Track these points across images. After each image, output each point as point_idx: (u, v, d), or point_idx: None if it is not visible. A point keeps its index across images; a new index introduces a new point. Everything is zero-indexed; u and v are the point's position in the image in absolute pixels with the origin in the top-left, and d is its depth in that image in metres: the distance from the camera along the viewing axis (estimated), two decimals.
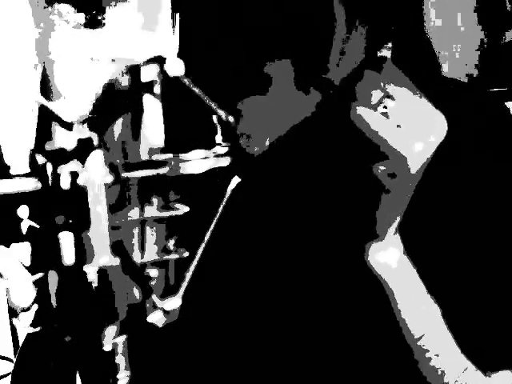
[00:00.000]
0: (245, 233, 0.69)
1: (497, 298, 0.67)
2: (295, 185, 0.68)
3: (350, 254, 0.64)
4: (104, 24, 0.40)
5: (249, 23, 0.59)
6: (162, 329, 0.41)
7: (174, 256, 0.43)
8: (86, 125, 0.39)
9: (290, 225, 0.68)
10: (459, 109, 0.70)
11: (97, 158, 0.38)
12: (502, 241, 0.69)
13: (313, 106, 0.62)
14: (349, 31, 0.61)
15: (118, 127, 0.40)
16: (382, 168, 0.58)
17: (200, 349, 0.69)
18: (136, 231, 0.42)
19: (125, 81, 0.40)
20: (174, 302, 0.42)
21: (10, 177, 0.39)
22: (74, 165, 0.38)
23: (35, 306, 0.42)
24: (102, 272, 0.40)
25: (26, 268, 0.42)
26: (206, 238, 0.43)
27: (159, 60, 0.40)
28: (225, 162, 0.42)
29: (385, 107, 0.58)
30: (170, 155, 0.41)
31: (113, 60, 0.39)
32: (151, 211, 0.42)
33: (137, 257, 0.42)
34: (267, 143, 0.62)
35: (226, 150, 0.42)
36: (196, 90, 0.42)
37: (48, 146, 0.39)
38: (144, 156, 0.41)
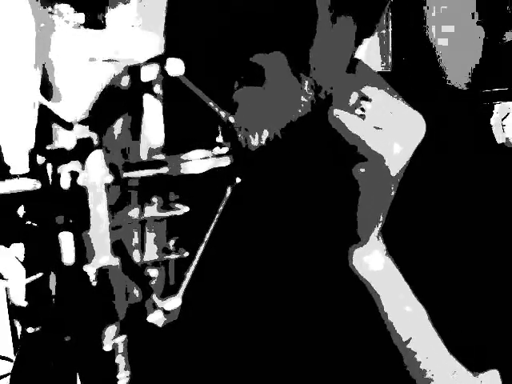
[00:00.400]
0: (244, 233, 0.69)
1: (483, 298, 0.68)
2: (285, 187, 0.69)
3: (333, 258, 0.64)
4: (104, 24, 0.40)
5: (234, 14, 0.58)
6: (162, 329, 0.41)
7: (174, 256, 0.43)
8: (86, 125, 0.39)
9: (280, 226, 0.69)
10: (440, 108, 0.70)
11: (97, 158, 0.38)
12: (486, 240, 0.69)
13: (306, 100, 0.62)
14: (333, 20, 0.60)
15: (118, 127, 0.40)
16: (362, 170, 0.58)
17: (200, 349, 0.69)
18: (136, 231, 0.42)
19: (125, 81, 0.40)
20: (174, 302, 0.42)
21: (10, 177, 0.39)
22: (74, 165, 0.38)
23: (35, 306, 0.42)
24: (102, 272, 0.40)
25: (26, 268, 0.42)
26: (206, 238, 0.43)
27: (159, 60, 0.40)
28: (225, 162, 0.42)
29: (362, 109, 0.58)
30: (170, 155, 0.41)
31: (112, 60, 0.39)
32: (151, 211, 0.42)
33: (137, 257, 0.42)
34: (265, 137, 0.61)
35: (226, 150, 0.42)
36: (196, 90, 0.42)
37: (48, 146, 0.39)
38: (144, 156, 0.41)
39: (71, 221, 0.39)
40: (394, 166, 0.57)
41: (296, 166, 0.68)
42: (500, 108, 1.77)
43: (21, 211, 0.39)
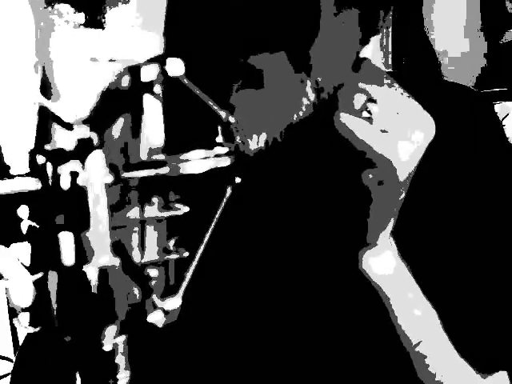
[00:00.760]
0: (244, 233, 0.69)
1: (493, 300, 0.67)
2: (287, 187, 0.68)
3: (344, 262, 0.64)
4: (104, 24, 0.40)
5: (234, 12, 0.57)
6: (162, 329, 0.41)
7: (174, 256, 0.43)
8: (86, 125, 0.39)
9: (282, 226, 0.68)
10: (450, 109, 0.70)
11: (97, 158, 0.38)
12: (497, 242, 0.68)
13: (307, 101, 0.61)
14: (337, 18, 0.59)
15: (118, 127, 0.40)
16: (371, 176, 0.57)
17: (200, 349, 0.69)
18: (136, 231, 0.42)
19: (125, 81, 0.40)
20: (174, 302, 0.42)
21: (10, 177, 0.39)
22: (74, 165, 0.38)
23: (35, 306, 0.42)
24: (102, 272, 0.40)
25: (26, 268, 0.42)
26: (206, 237, 0.43)
27: (159, 60, 0.40)
28: (225, 162, 0.42)
29: (369, 112, 0.57)
30: (170, 155, 0.41)
31: (112, 60, 0.39)
32: (151, 211, 0.42)
33: (137, 257, 0.42)
34: (264, 140, 0.60)
35: (226, 150, 0.42)
36: (196, 89, 0.42)
37: (48, 146, 0.39)
38: (144, 156, 0.41)
39: (71, 221, 0.39)
40: (402, 171, 0.56)
41: (299, 167, 0.68)
42: (500, 108, 1.77)
43: (21, 211, 0.39)
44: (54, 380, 0.54)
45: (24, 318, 0.43)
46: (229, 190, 0.44)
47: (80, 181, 0.38)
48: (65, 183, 0.38)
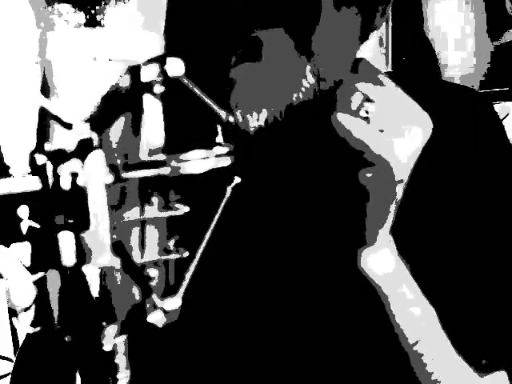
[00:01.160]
0: (245, 233, 0.69)
1: (492, 299, 0.67)
2: (287, 187, 0.68)
3: (343, 260, 0.63)
4: (104, 24, 0.40)
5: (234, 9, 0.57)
6: (162, 329, 0.41)
7: (174, 256, 0.43)
8: (86, 125, 0.39)
9: (281, 226, 0.68)
10: (449, 109, 0.70)
11: (97, 158, 0.38)
12: (497, 241, 0.68)
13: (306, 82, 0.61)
14: (337, 9, 0.59)
15: (118, 127, 0.40)
16: (368, 175, 0.57)
17: (200, 349, 0.69)
18: (136, 231, 0.42)
19: (125, 81, 0.40)
20: (174, 302, 0.42)
21: (10, 177, 0.39)
22: (74, 165, 0.38)
23: (35, 306, 0.42)
24: (103, 272, 0.40)
25: (26, 268, 0.42)
26: (206, 238, 0.43)
27: (159, 60, 0.40)
28: (225, 162, 0.42)
29: (366, 111, 0.57)
30: (170, 155, 0.41)
31: (112, 60, 0.39)
32: (151, 211, 0.42)
33: (137, 257, 0.42)
34: (264, 117, 0.60)
35: (226, 150, 0.42)
36: (196, 89, 0.42)
37: (48, 146, 0.39)
38: (144, 156, 0.41)
39: (71, 221, 0.39)
40: (399, 170, 0.56)
41: (299, 166, 0.68)
42: (500, 108, 1.77)
43: (21, 211, 0.39)
44: (54, 380, 0.54)
45: (24, 318, 0.43)
46: (229, 190, 0.44)
47: (80, 181, 0.38)
48: (65, 183, 0.38)
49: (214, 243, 0.44)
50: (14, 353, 1.72)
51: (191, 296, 0.42)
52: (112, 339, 0.41)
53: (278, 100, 0.60)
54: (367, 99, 0.57)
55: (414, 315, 0.62)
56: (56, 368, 0.44)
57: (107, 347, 0.41)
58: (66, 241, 0.39)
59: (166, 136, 0.41)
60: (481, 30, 1.79)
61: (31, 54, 0.40)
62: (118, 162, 0.40)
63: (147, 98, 0.40)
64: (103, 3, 0.40)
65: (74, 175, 0.38)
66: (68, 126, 0.39)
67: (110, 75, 0.40)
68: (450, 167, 0.68)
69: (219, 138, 0.43)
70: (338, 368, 0.68)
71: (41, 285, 0.40)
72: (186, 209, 0.42)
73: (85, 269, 0.39)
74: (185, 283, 0.42)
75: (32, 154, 0.39)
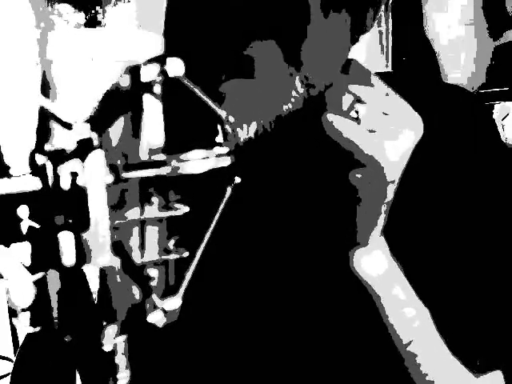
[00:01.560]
0: (245, 233, 0.69)
1: (486, 299, 0.67)
2: (278, 190, 0.68)
3: (335, 260, 0.63)
4: (104, 24, 0.40)
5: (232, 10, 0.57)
6: (162, 329, 0.41)
7: (174, 256, 0.43)
8: (86, 125, 0.39)
9: (280, 226, 0.69)
10: (446, 110, 0.70)
11: (97, 158, 0.38)
12: (490, 240, 0.68)
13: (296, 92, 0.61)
14: (326, 16, 0.59)
15: (118, 127, 0.40)
16: (359, 176, 0.57)
17: (200, 349, 0.69)
18: (136, 231, 0.42)
19: (125, 81, 0.40)
20: (173, 302, 0.42)
21: (10, 177, 0.39)
22: (74, 165, 0.38)
23: (35, 306, 0.42)
24: (102, 272, 0.40)
25: (26, 268, 0.42)
26: (206, 237, 0.43)
27: (159, 60, 0.40)
28: (225, 162, 0.42)
29: (356, 112, 0.57)
30: (170, 155, 0.41)
31: (113, 60, 0.39)
32: (151, 211, 0.42)
33: (137, 257, 0.42)
34: (253, 129, 0.60)
35: (226, 150, 0.42)
36: (196, 89, 0.42)
37: (48, 146, 0.39)
38: (144, 156, 0.41)
39: (71, 221, 0.39)
40: (391, 171, 0.56)
41: (287, 166, 0.68)
42: (500, 108, 1.78)
43: (21, 211, 0.39)
44: (54, 380, 0.54)
45: (24, 318, 0.43)
46: (229, 190, 0.44)
47: (80, 181, 0.38)
48: (65, 183, 0.38)
49: (213, 243, 0.44)
50: (14, 353, 1.72)
51: (191, 296, 0.42)
52: (112, 339, 0.41)
53: (268, 112, 0.60)
54: (358, 100, 0.57)
55: (407, 316, 0.62)
56: (56, 368, 0.44)
57: (107, 347, 0.41)
58: (66, 241, 0.39)
59: (166, 136, 0.41)
60: (481, 30, 1.79)
61: (31, 54, 0.40)
62: (118, 162, 0.40)
63: (147, 98, 0.40)
64: (103, 3, 0.40)
65: (74, 175, 0.38)
66: (68, 126, 0.39)
67: (109, 75, 0.40)
68: (443, 168, 0.68)
69: (219, 138, 0.43)
70: (332, 368, 0.68)
71: (41, 285, 0.40)
72: (186, 209, 0.42)
73: (85, 269, 0.39)
74: (185, 283, 0.42)
75: (32, 153, 0.39)
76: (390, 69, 1.81)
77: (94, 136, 0.39)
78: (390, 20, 1.79)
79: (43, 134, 0.39)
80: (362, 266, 0.61)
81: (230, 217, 0.45)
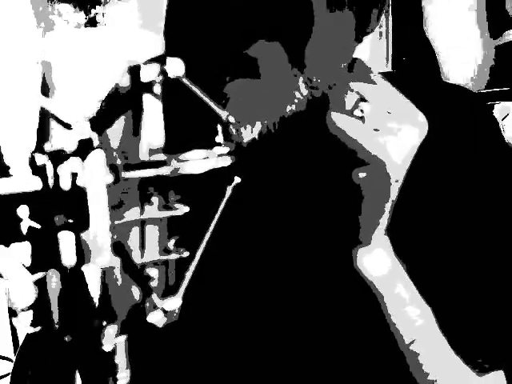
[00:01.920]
0: (245, 233, 0.69)
1: (489, 298, 0.67)
2: (282, 189, 0.68)
3: (338, 260, 0.63)
4: (104, 24, 0.40)
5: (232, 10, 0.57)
6: (162, 329, 0.41)
7: (174, 256, 0.43)
8: (86, 125, 0.39)
9: (289, 225, 0.69)
10: (448, 110, 0.70)
11: (97, 158, 0.38)
12: (493, 239, 0.68)
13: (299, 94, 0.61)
14: (330, 17, 0.59)
15: (118, 127, 0.40)
16: (362, 175, 0.57)
17: (200, 349, 0.69)
18: (136, 231, 0.42)
19: (125, 81, 0.40)
20: (174, 302, 0.42)
21: (10, 177, 0.39)
22: (74, 165, 0.38)
23: (35, 306, 0.42)
24: (103, 272, 0.40)
25: (26, 268, 0.42)
26: (206, 237, 0.43)
27: (159, 60, 0.40)
28: (225, 161, 0.42)
29: (361, 111, 0.57)
30: (170, 155, 0.41)
31: (113, 60, 0.39)
32: (151, 211, 0.42)
33: (137, 257, 0.42)
34: (257, 129, 0.61)
35: (226, 150, 0.42)
36: (196, 89, 0.42)
37: (48, 147, 0.39)
38: (144, 156, 0.41)
39: (71, 221, 0.39)
40: (395, 170, 0.56)
41: (291, 165, 0.68)
42: (500, 108, 1.77)
43: (21, 211, 0.39)
44: (54, 380, 0.54)
45: (24, 318, 0.43)
46: (229, 190, 0.44)
47: (80, 181, 0.38)
48: (65, 183, 0.38)
49: (214, 243, 0.44)
50: (14, 353, 1.72)
51: (191, 296, 0.42)
52: (112, 339, 0.41)
53: (272, 113, 0.61)
54: (362, 99, 0.57)
55: (410, 315, 0.62)
56: (56, 368, 0.44)
57: (107, 347, 0.41)
58: (66, 241, 0.39)
59: (166, 136, 0.41)
60: (482, 30, 1.79)
61: (31, 54, 0.40)
62: (118, 162, 0.40)
63: (147, 98, 0.40)
64: (103, 3, 0.40)
65: (74, 175, 0.38)
66: (68, 126, 0.39)
67: (110, 75, 0.40)
68: (446, 167, 0.68)
69: (219, 138, 0.43)
70: (334, 367, 0.68)
71: (41, 285, 0.40)
72: (186, 209, 0.42)
73: (85, 269, 0.39)
74: (185, 283, 0.42)
75: (32, 153, 0.39)
76: (389, 69, 1.81)
77: (94, 136, 0.39)
78: (390, 20, 1.79)
79: (43, 133, 0.39)
80: (364, 264, 0.61)
81: (230, 217, 0.45)
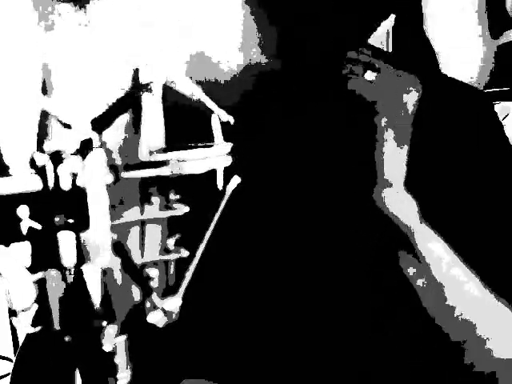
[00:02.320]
0: (244, 232, 0.69)
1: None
2: (293, 185, 0.68)
3: (341, 260, 0.64)
4: (104, 24, 0.40)
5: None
6: (162, 329, 0.41)
7: (174, 256, 0.43)
8: (86, 125, 0.39)
9: (289, 225, 0.69)
10: (451, 105, 0.70)
11: (97, 157, 0.38)
12: (498, 240, 0.68)
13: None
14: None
15: (118, 127, 0.40)
16: (372, 76, 0.61)
17: (200, 349, 0.69)
18: (136, 231, 0.42)
19: (125, 81, 0.40)
20: (173, 302, 0.42)
21: (10, 177, 0.39)
22: (74, 165, 0.38)
23: (35, 306, 0.42)
24: (103, 272, 0.40)
25: (26, 268, 0.42)
26: (206, 237, 0.43)
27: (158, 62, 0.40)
28: (225, 161, 0.42)
29: (374, 70, 0.62)
30: (170, 155, 0.41)
31: (113, 60, 0.39)
32: (151, 211, 0.42)
33: (137, 257, 0.42)
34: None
35: (226, 150, 0.42)
36: (196, 89, 0.42)
37: (48, 147, 0.39)
38: (144, 156, 0.41)
39: (71, 221, 0.39)
40: (406, 114, 0.59)
41: (295, 165, 0.68)
42: (500, 108, 1.77)
43: (21, 211, 0.39)
44: (54, 380, 0.54)
45: (24, 318, 0.43)
46: (229, 190, 0.44)
47: (80, 181, 0.38)
48: (65, 183, 0.38)
49: (213, 243, 0.44)
50: (14, 353, 1.72)
51: (191, 296, 0.42)
52: (112, 339, 0.41)
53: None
54: (367, 67, 0.60)
55: (455, 276, 0.62)
56: (56, 368, 0.44)
57: (107, 347, 0.41)
58: (66, 241, 0.39)
59: (166, 136, 0.42)
60: (482, 30, 1.79)
61: (31, 54, 0.40)
62: (118, 162, 0.40)
63: (147, 98, 0.40)
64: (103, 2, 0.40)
65: (74, 175, 0.38)
66: (68, 126, 0.39)
67: (110, 75, 0.40)
68: (451, 164, 0.68)
69: (219, 138, 0.43)
70: (340, 364, 0.68)
71: (41, 285, 0.40)
72: (186, 209, 0.42)
73: (85, 269, 0.39)
74: (185, 283, 0.42)
75: (32, 154, 0.39)
76: None
77: (94, 136, 0.39)
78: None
79: (43, 133, 0.39)
80: (386, 201, 0.61)
81: (229, 217, 0.45)
